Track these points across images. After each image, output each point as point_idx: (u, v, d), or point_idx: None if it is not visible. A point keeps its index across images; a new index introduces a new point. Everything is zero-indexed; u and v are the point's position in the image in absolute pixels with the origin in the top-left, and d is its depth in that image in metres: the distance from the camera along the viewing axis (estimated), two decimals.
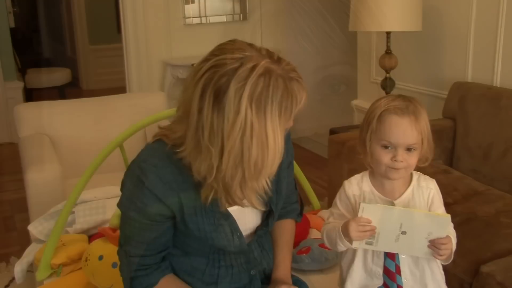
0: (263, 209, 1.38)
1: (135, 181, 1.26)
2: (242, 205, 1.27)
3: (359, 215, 1.27)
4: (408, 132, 1.28)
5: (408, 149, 1.30)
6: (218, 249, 1.35)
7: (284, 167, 1.43)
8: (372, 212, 1.27)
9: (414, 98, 1.35)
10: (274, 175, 1.36)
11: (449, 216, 1.25)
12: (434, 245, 1.27)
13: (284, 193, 1.44)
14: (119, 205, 1.33)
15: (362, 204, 1.27)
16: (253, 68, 1.13)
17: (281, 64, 1.17)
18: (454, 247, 1.31)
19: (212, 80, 1.13)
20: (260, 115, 1.13)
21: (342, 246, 1.34)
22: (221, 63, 1.14)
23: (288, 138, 1.46)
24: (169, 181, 1.24)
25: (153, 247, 1.33)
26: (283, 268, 1.46)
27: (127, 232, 1.34)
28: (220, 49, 1.18)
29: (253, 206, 1.28)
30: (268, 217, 1.41)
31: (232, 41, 1.21)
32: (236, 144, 1.13)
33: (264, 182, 1.20)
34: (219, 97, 1.12)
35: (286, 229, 1.54)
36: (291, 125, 1.25)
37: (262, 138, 1.13)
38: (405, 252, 1.33)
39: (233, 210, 1.34)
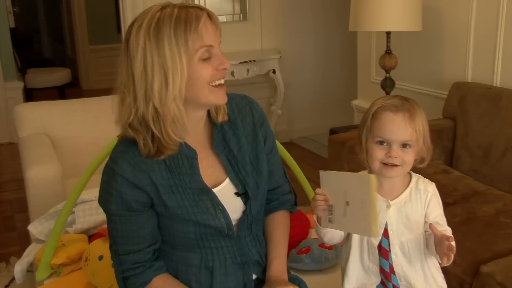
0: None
1: (108, 172, 1.32)
2: (173, 149, 1.28)
3: (321, 186, 1.31)
4: (401, 128, 1.28)
5: (403, 146, 1.30)
6: (205, 233, 1.34)
7: (261, 149, 1.43)
8: (327, 181, 1.30)
9: (412, 99, 1.35)
10: (251, 156, 1.40)
11: (371, 176, 1.21)
12: (445, 248, 1.23)
13: (265, 175, 1.44)
14: (99, 201, 1.37)
15: (321, 173, 1.30)
16: (150, 8, 1.26)
17: (178, 4, 1.28)
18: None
19: (125, 37, 1.28)
20: (158, 42, 1.21)
21: (321, 230, 1.34)
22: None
23: (267, 124, 1.48)
24: (137, 163, 1.29)
25: (138, 240, 1.34)
26: (276, 264, 1.44)
27: (111, 230, 1.36)
28: None
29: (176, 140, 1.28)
30: (247, 201, 1.40)
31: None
32: (141, 77, 1.23)
33: (174, 106, 1.23)
34: (128, 44, 1.25)
35: (279, 222, 1.52)
36: (216, 59, 1.27)
37: (162, 62, 1.21)
38: (354, 228, 1.29)
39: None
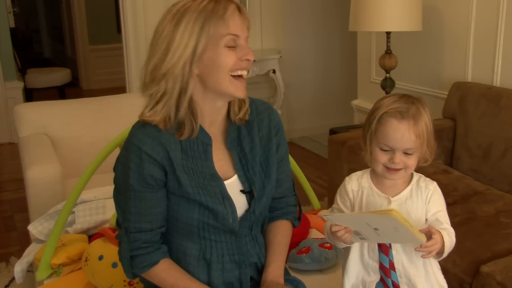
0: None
1: (126, 146, 1.35)
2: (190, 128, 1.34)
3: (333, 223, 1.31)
4: (406, 137, 1.29)
5: (407, 152, 1.31)
6: (208, 224, 1.36)
7: (272, 154, 1.45)
8: (338, 219, 1.30)
9: (419, 98, 1.35)
10: (262, 158, 1.42)
11: (391, 210, 1.19)
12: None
13: (273, 180, 1.45)
14: (115, 179, 1.38)
15: (325, 217, 1.31)
16: None
17: None
18: (449, 243, 1.29)
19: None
20: (176, 26, 1.28)
21: (342, 244, 1.36)
22: None
23: (282, 133, 1.50)
24: (156, 136, 1.32)
25: (151, 219, 1.36)
26: (273, 268, 1.45)
27: (124, 207, 1.37)
28: None
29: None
30: (251, 200, 1.42)
31: None
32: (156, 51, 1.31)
33: (162, 85, 1.31)
34: (157, 27, 1.33)
35: (280, 230, 1.53)
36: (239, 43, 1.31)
37: (169, 42, 1.28)
38: (398, 241, 1.32)
39: None
